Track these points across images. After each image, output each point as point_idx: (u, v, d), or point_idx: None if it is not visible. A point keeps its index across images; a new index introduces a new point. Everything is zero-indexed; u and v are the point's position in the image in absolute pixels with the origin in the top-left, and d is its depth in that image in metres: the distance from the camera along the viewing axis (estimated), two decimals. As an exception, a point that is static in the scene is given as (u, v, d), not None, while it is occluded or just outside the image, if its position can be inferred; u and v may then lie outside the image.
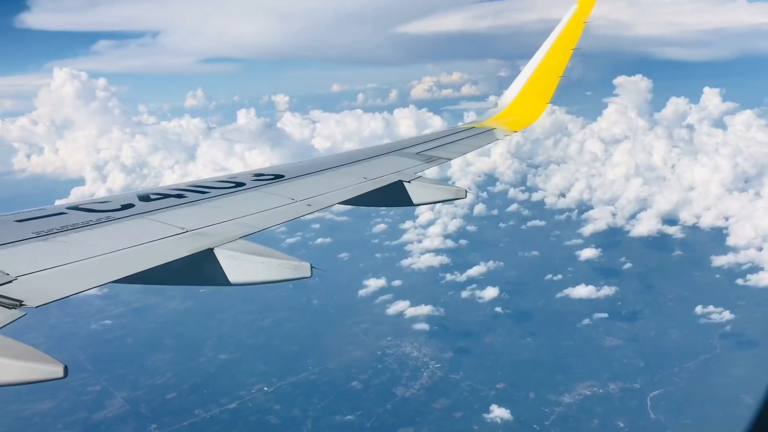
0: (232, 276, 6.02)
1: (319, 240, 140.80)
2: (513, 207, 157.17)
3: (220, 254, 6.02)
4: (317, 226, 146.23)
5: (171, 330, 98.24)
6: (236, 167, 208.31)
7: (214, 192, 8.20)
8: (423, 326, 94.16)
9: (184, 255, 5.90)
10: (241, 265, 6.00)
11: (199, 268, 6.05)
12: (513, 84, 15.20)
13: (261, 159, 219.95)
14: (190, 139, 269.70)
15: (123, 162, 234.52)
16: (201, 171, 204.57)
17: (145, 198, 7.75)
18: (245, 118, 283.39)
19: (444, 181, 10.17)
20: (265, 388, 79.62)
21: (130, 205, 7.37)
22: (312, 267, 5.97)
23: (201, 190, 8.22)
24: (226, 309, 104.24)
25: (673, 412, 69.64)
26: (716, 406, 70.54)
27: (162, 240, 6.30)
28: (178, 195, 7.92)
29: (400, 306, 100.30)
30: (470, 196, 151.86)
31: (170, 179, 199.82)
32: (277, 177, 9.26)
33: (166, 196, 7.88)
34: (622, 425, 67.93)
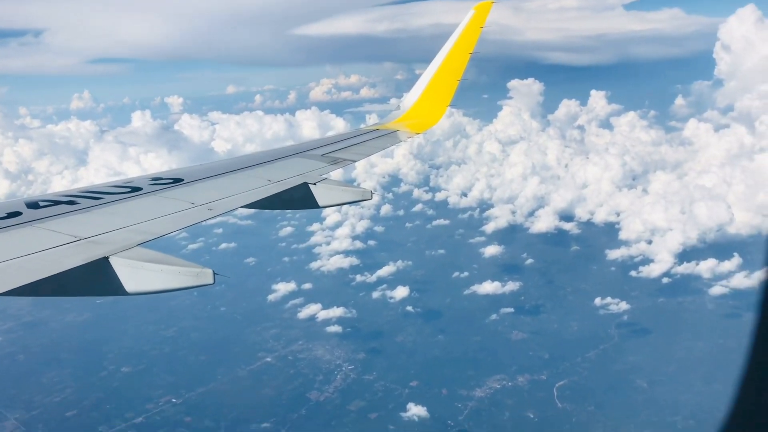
0: (130, 285, 5.78)
1: (224, 245, 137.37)
2: (418, 207, 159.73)
3: (116, 263, 5.77)
4: (220, 230, 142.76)
5: (67, 344, 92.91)
6: (132, 171, 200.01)
7: (108, 198, 7.85)
8: (336, 329, 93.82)
9: (78, 264, 5.61)
10: (138, 274, 5.77)
11: (94, 278, 5.77)
12: (414, 87, 15.49)
13: (158, 163, 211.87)
14: (80, 142, 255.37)
15: (6, 168, 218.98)
16: (93, 176, 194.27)
17: (33, 205, 7.31)
18: (140, 120, 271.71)
19: (349, 182, 10.16)
20: (174, 400, 76.70)
21: (17, 213, 6.95)
22: (215, 273, 5.82)
23: (94, 196, 7.85)
24: (126, 319, 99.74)
25: (578, 401, 72.72)
26: (616, 392, 74.30)
27: (53, 249, 5.95)
28: (70, 201, 7.53)
29: (312, 309, 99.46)
30: (376, 198, 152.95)
31: (60, 185, 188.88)
32: (176, 181, 8.94)
33: (56, 202, 7.46)
34: (532, 416, 70.27)
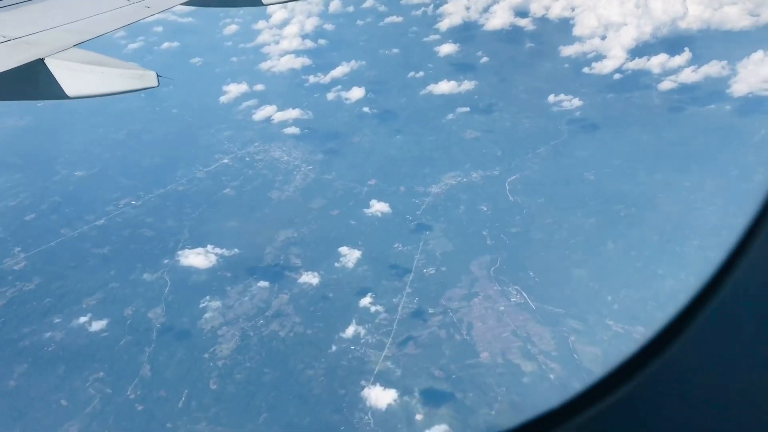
0: (70, 88, 5.49)
1: (166, 44, 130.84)
2: (369, 3, 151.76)
3: (53, 65, 5.43)
4: (160, 29, 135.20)
5: (13, 149, 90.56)
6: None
7: None
8: (293, 130, 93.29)
9: (12, 67, 5.24)
10: (78, 77, 5.45)
11: (31, 81, 5.46)
12: None
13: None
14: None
15: None
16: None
17: None
18: None
19: None
20: (133, 202, 77.12)
21: None
22: (158, 76, 5.63)
23: None
24: (72, 123, 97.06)
25: (528, 194, 76.06)
26: (565, 185, 77.69)
27: None
28: None
29: (267, 111, 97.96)
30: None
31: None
32: None
33: None
34: (485, 209, 73.55)
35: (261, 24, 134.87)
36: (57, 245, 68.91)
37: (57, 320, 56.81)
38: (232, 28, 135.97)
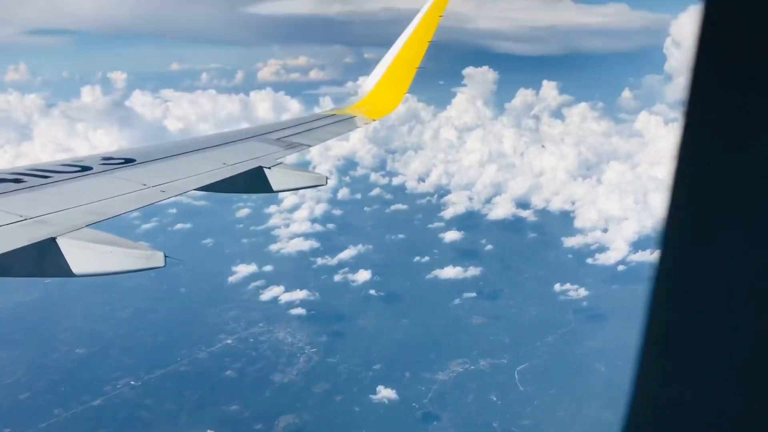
0: (77, 267, 5.72)
1: (179, 225, 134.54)
2: (375, 191, 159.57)
3: (64, 244, 5.70)
4: (174, 210, 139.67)
5: (16, 325, 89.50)
6: (81, 149, 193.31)
7: (56, 176, 7.66)
8: (299, 311, 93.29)
9: (24, 245, 5.49)
10: (86, 255, 5.72)
11: (41, 259, 5.72)
12: (372, 73, 15.70)
13: (108, 140, 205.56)
14: (22, 116, 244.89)
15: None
16: (40, 153, 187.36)
17: None
18: (90, 95, 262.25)
19: (304, 165, 10.33)
20: (132, 382, 74.99)
21: None
22: (166, 256, 5.79)
23: (42, 175, 7.66)
24: (78, 300, 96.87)
25: (539, 384, 74.28)
26: (575, 375, 76.18)
27: None
28: (16, 180, 7.32)
29: (274, 291, 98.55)
30: (333, 181, 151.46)
31: (2, 161, 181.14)
32: (128, 161, 8.80)
33: (2, 180, 7.26)
34: (495, 399, 71.36)
35: (272, 208, 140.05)
36: (47, 427, 65.93)
37: None
38: (245, 212, 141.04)
